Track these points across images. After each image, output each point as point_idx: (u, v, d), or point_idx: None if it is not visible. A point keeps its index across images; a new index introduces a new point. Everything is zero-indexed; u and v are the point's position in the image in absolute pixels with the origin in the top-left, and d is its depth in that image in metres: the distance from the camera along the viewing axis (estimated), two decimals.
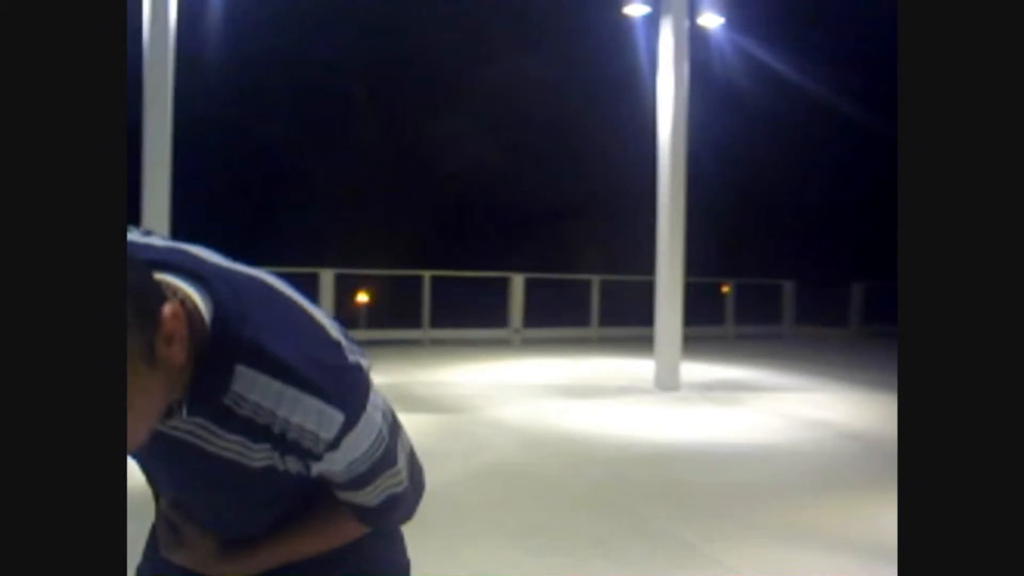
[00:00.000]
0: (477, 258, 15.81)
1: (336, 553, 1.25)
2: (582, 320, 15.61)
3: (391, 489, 1.20)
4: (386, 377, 9.91)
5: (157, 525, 1.31)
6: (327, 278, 13.05)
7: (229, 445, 1.07)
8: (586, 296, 15.61)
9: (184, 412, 1.06)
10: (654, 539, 4.32)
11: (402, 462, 1.20)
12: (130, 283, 0.94)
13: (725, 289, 17.43)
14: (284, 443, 1.06)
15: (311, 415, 1.04)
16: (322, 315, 1.14)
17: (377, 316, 14.93)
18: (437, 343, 13.82)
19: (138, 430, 0.99)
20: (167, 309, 0.98)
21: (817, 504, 5.00)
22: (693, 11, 10.04)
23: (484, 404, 8.34)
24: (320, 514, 1.22)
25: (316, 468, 1.10)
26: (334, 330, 1.13)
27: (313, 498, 1.21)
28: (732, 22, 10.83)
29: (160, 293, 1.00)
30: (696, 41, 10.15)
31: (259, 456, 1.08)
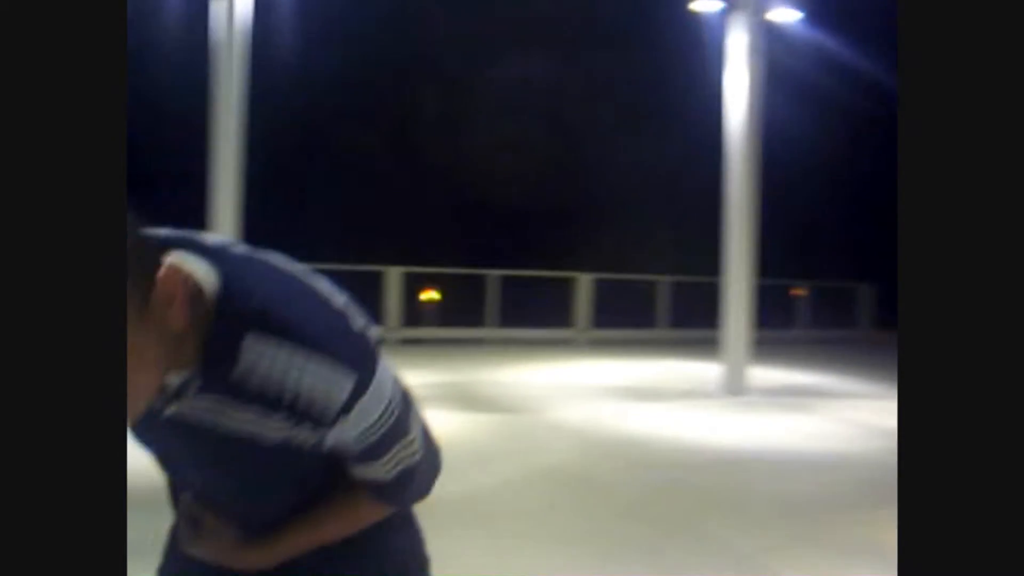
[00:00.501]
0: (543, 257, 15.78)
1: (353, 545, 1.25)
2: (649, 321, 15.43)
3: (406, 461, 1.19)
4: (448, 376, 9.95)
5: (177, 522, 1.31)
6: (393, 276, 13.18)
7: (245, 418, 1.08)
8: (653, 297, 15.43)
9: (196, 388, 1.06)
10: (709, 549, 4.20)
11: (415, 432, 1.20)
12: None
13: (798, 292, 17.01)
14: (297, 411, 1.06)
15: (322, 379, 1.05)
16: (328, 287, 1.14)
17: (443, 315, 15.03)
18: (502, 342, 13.83)
19: (133, 389, 0.96)
20: (163, 270, 0.98)
21: (883, 518, 4.79)
22: (763, 6, 9.77)
23: (545, 405, 8.29)
24: (338, 498, 1.23)
25: (330, 438, 1.10)
26: (340, 301, 1.13)
27: (330, 484, 1.22)
28: (812, 16, 10.52)
29: (156, 253, 1.00)
30: (770, 36, 9.90)
31: (275, 428, 1.08)
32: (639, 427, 7.35)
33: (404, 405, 1.17)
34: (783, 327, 16.05)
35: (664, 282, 15.49)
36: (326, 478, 1.21)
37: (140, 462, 1.29)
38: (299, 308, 1.07)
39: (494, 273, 14.19)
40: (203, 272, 1.05)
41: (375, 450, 1.15)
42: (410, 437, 1.19)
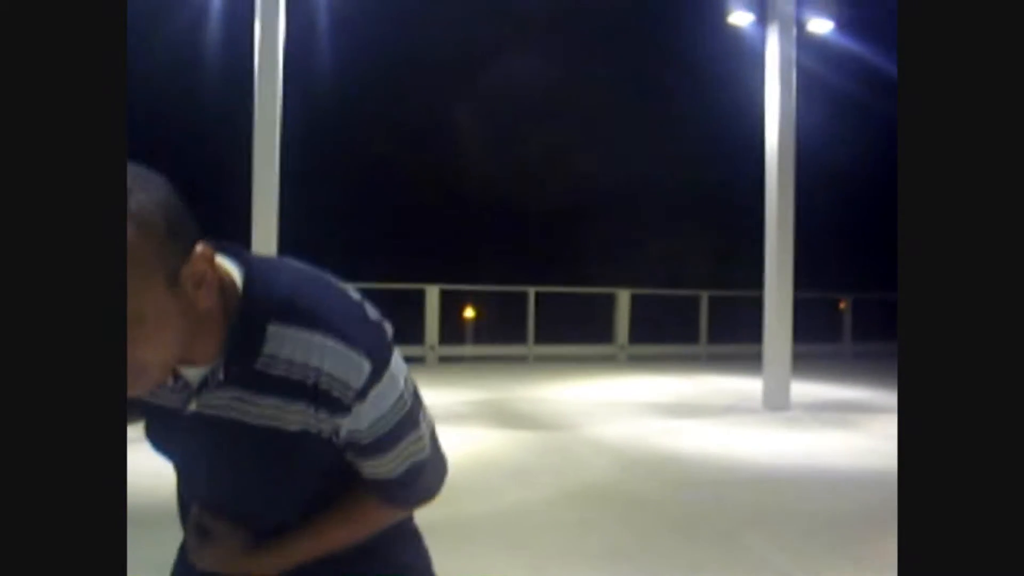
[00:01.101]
0: (581, 273, 15.74)
1: (362, 560, 1.26)
2: (690, 336, 15.28)
3: (414, 456, 1.22)
4: (489, 393, 9.96)
5: (186, 535, 1.32)
6: (432, 294, 13.24)
7: (265, 410, 1.11)
8: (694, 312, 15.29)
9: (219, 381, 1.09)
10: (750, 567, 4.14)
11: (424, 429, 1.23)
12: (167, 199, 0.99)
13: (842, 305, 16.72)
14: (316, 396, 1.09)
15: (341, 362, 1.09)
16: (343, 283, 1.19)
17: (483, 332, 15.05)
18: (541, 359, 13.79)
19: (146, 359, 0.99)
20: (199, 248, 1.03)
21: None
22: (799, 17, 9.71)
23: (585, 421, 8.25)
24: (346, 502, 1.24)
25: (344, 427, 1.13)
26: (356, 294, 1.18)
27: (341, 491, 1.24)
28: (844, 26, 10.43)
29: (196, 229, 1.04)
30: (804, 47, 9.83)
31: (295, 417, 1.11)
32: (679, 443, 7.27)
33: (415, 400, 1.20)
34: (827, 340, 15.78)
35: (705, 297, 15.35)
36: (338, 482, 1.23)
37: (141, 482, 1.30)
38: (319, 297, 1.12)
39: (534, 290, 14.18)
40: (230, 267, 1.11)
41: (385, 442, 1.17)
42: (419, 432, 1.21)
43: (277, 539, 1.24)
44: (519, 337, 14.07)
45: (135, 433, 1.23)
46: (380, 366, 1.12)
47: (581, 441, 7.31)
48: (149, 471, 1.87)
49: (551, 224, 17.95)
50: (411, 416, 1.19)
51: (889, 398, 10.33)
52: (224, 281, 1.09)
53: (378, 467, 1.21)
